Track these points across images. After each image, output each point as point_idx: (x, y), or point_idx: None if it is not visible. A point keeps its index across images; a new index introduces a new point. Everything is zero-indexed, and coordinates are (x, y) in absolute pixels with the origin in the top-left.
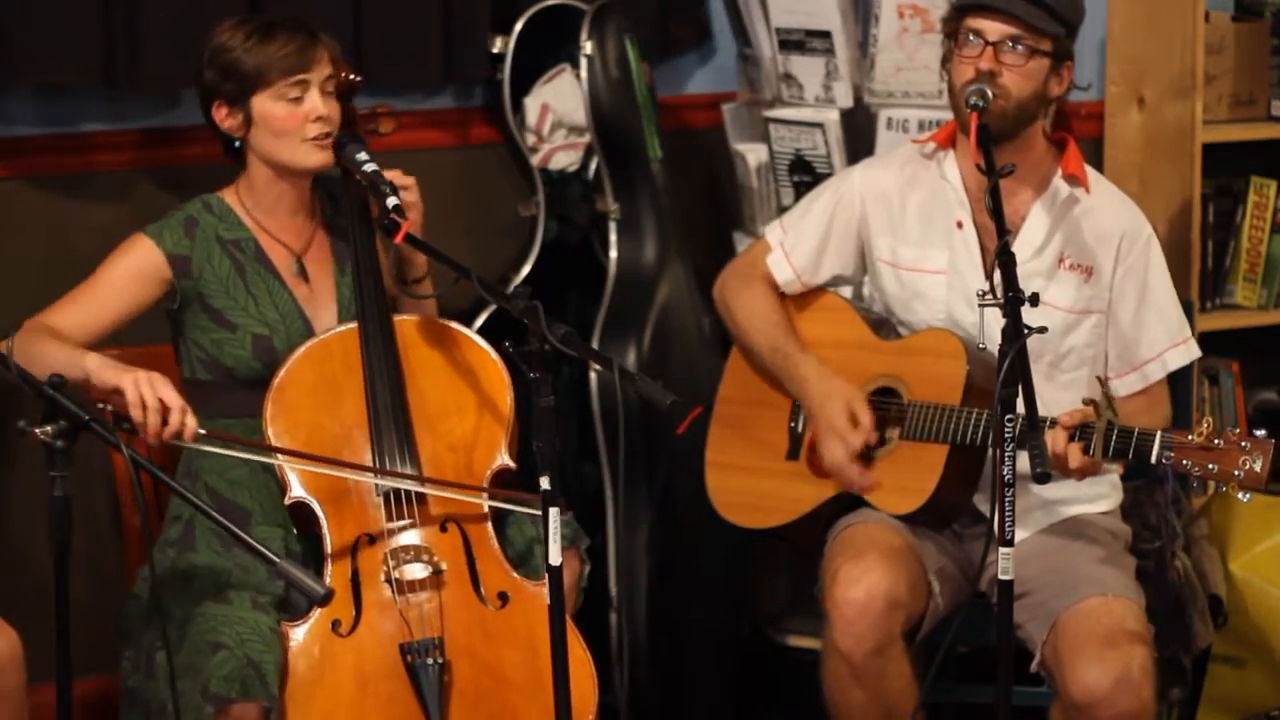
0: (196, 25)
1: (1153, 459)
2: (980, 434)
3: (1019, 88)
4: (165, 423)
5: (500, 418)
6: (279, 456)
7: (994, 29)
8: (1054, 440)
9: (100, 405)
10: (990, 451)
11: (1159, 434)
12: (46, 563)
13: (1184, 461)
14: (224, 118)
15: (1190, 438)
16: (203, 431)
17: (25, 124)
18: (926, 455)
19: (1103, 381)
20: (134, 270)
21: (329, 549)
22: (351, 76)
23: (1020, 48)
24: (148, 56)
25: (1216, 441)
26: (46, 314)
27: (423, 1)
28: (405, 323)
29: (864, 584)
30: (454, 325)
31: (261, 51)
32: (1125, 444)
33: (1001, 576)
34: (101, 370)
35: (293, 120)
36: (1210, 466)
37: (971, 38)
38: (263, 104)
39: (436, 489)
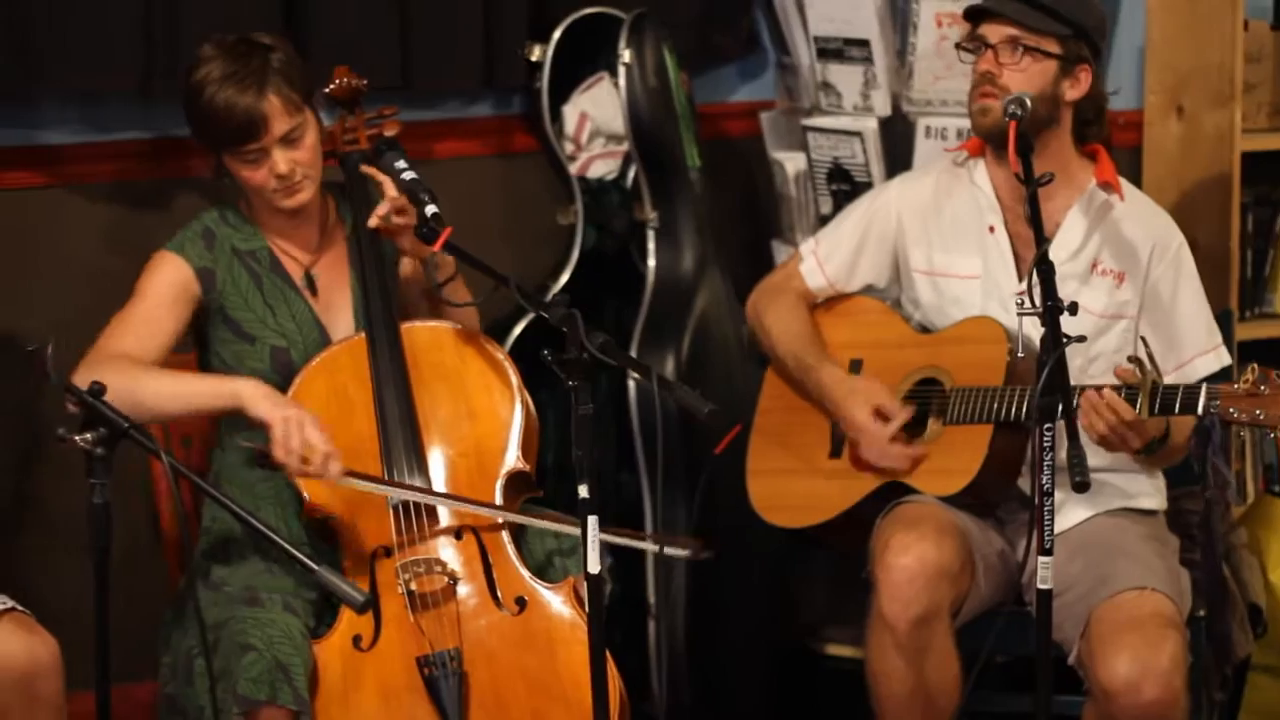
0: (233, 33)
1: (1199, 410)
2: (1024, 410)
3: (1019, 88)
4: (307, 462)
5: (511, 419)
6: (418, 494)
7: (995, 32)
8: (1109, 404)
9: (248, 445)
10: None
11: (1204, 386)
12: (86, 570)
13: (1230, 410)
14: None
15: (1235, 386)
16: (343, 471)
17: (62, 131)
18: (970, 437)
19: (1145, 341)
20: (174, 290)
21: (346, 563)
22: (353, 82)
23: (1020, 48)
24: (182, 64)
25: (1262, 388)
26: (109, 344)
27: (463, 10)
28: (413, 329)
29: (915, 551)
30: (462, 328)
31: (213, 121)
32: (1171, 399)
33: (1040, 585)
34: (257, 403)
35: (255, 178)
36: (1257, 413)
37: (981, 46)
38: (228, 160)
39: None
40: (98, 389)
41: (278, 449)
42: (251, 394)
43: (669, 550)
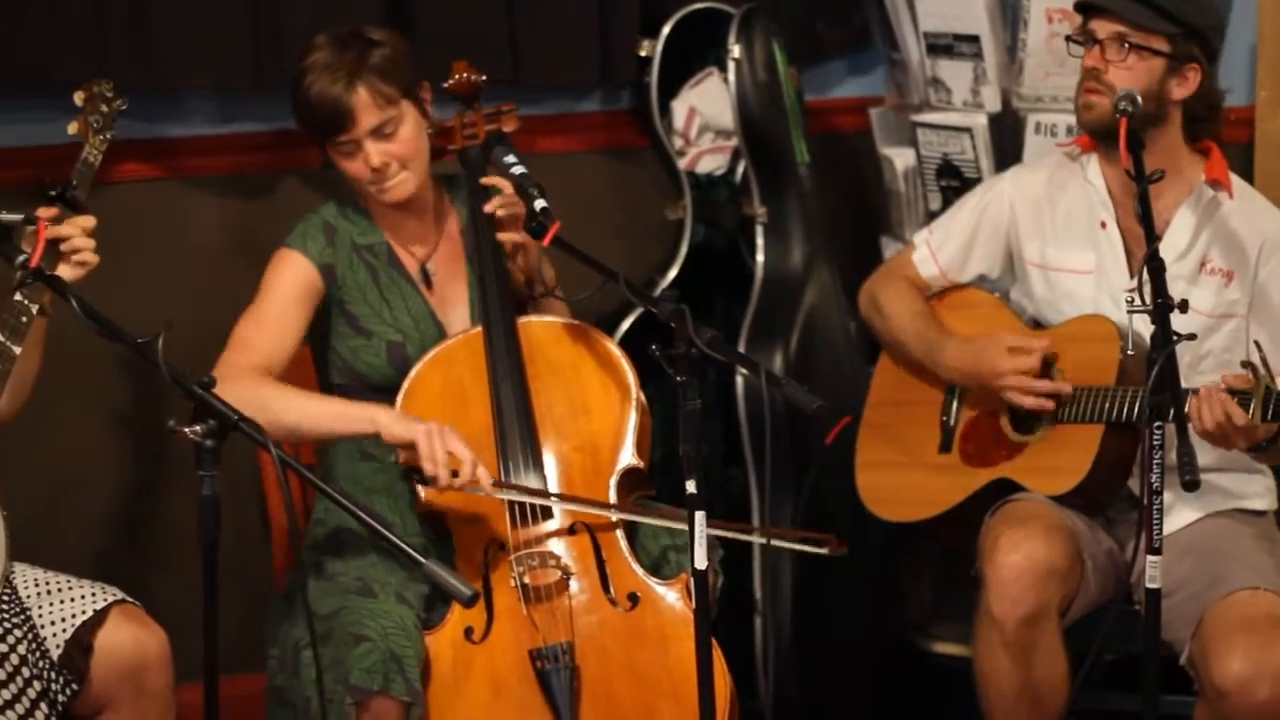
0: (337, 25)
1: None
2: (1135, 412)
3: (1124, 85)
4: (455, 474)
5: (627, 416)
6: (570, 504)
7: (1103, 28)
8: (1223, 403)
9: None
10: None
11: None
12: (195, 562)
13: None
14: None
15: None
16: (493, 480)
17: (181, 124)
18: (1081, 436)
19: (1259, 345)
20: (300, 290)
21: (460, 556)
22: (472, 77)
23: (1126, 45)
24: (288, 57)
25: None
26: (239, 354)
27: (574, 6)
28: (530, 324)
29: (1024, 549)
30: (579, 324)
31: (306, 109)
32: None
33: (1149, 585)
34: (393, 425)
35: (351, 169)
36: None
37: (1089, 41)
38: (329, 150)
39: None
40: (207, 381)
41: (425, 462)
42: (388, 420)
43: (797, 545)
